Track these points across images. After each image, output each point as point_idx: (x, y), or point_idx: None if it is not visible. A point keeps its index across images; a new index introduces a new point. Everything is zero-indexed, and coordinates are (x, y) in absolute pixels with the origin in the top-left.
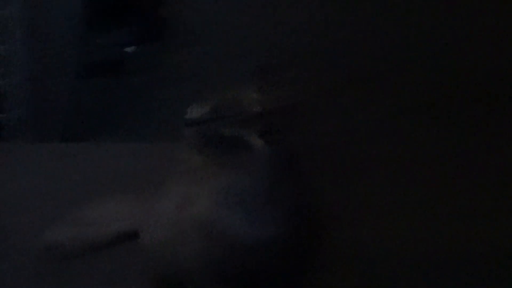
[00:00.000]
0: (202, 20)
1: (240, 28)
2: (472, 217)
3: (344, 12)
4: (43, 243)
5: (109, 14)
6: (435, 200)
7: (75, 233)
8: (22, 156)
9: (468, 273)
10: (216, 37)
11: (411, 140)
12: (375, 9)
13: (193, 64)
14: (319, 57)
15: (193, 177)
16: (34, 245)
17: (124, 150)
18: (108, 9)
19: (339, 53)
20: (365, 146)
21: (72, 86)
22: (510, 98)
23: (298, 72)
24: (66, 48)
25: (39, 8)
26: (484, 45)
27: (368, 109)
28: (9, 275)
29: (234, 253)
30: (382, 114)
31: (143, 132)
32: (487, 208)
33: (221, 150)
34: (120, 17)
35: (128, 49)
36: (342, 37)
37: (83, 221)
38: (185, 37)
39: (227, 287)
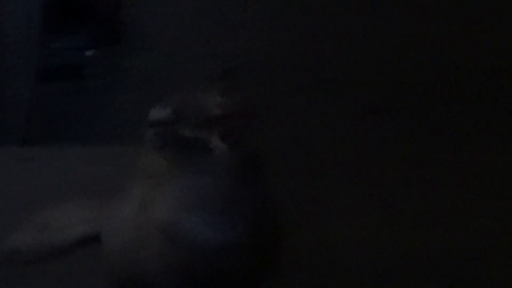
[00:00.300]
0: (163, 24)
1: (201, 32)
2: (430, 218)
3: (304, 17)
4: (4, 248)
5: (68, 18)
6: (395, 201)
7: (36, 238)
8: None
9: (429, 272)
10: (177, 41)
11: (371, 142)
12: (334, 14)
13: (153, 67)
14: (280, 61)
15: (154, 180)
16: None
17: (85, 154)
18: (67, 13)
19: (299, 57)
20: (325, 148)
21: (32, 90)
22: (466, 101)
23: (260, 76)
24: (25, 52)
25: None
26: (440, 49)
27: (328, 111)
28: None
29: (195, 256)
30: (342, 116)
31: (104, 135)
32: (447, 208)
33: (182, 153)
34: (79, 21)
35: (88, 53)
36: (302, 42)
37: (44, 226)
38: (145, 40)
39: None
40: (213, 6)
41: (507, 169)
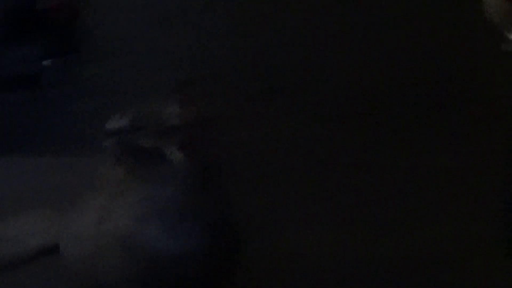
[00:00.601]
0: (121, 33)
1: (160, 41)
2: (394, 222)
3: (261, 26)
4: None
5: (24, 28)
6: (353, 207)
7: None
8: None
9: (391, 276)
10: (135, 50)
11: (329, 147)
12: (290, 22)
13: (111, 76)
14: (239, 70)
15: (112, 190)
16: None
17: (43, 164)
18: (24, 22)
19: (256, 65)
20: (284, 155)
21: None
22: (419, 106)
23: (218, 85)
24: None
25: None
26: (393, 56)
27: (285, 119)
28: None
29: (154, 266)
30: (300, 123)
31: (61, 145)
32: (411, 213)
33: (140, 163)
34: (36, 31)
35: (45, 63)
36: (259, 50)
37: (1, 237)
38: (103, 49)
39: None
40: (171, 15)
41: (466, 173)
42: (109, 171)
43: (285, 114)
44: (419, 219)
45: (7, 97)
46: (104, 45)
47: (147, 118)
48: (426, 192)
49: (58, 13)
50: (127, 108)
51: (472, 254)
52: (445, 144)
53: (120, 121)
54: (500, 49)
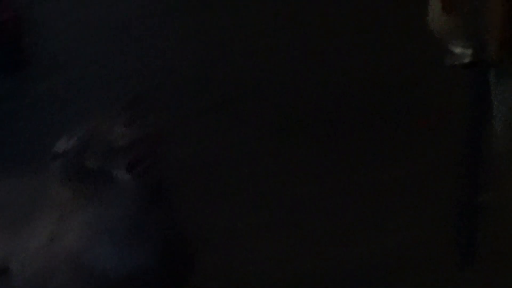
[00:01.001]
0: (67, 51)
1: (107, 59)
2: (340, 235)
3: (206, 40)
4: None
5: None
6: (306, 219)
7: None
8: None
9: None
10: (82, 67)
11: (277, 160)
12: (235, 35)
13: (58, 95)
14: (185, 87)
15: (61, 210)
16: None
17: None
18: None
19: (205, 80)
20: (233, 169)
21: None
22: (369, 118)
23: (164, 101)
24: None
25: None
26: (341, 68)
27: (232, 132)
28: None
29: (105, 285)
30: (248, 136)
31: (8, 165)
32: (358, 224)
33: (88, 184)
34: None
35: None
36: (207, 64)
37: None
38: (50, 66)
39: None
40: (119, 31)
41: (411, 184)
42: (58, 192)
43: (235, 127)
44: (366, 230)
45: None
46: (49, 63)
47: (94, 140)
48: (373, 202)
49: (3, 30)
50: (74, 128)
51: (420, 265)
52: (389, 155)
53: (67, 143)
54: (445, 62)
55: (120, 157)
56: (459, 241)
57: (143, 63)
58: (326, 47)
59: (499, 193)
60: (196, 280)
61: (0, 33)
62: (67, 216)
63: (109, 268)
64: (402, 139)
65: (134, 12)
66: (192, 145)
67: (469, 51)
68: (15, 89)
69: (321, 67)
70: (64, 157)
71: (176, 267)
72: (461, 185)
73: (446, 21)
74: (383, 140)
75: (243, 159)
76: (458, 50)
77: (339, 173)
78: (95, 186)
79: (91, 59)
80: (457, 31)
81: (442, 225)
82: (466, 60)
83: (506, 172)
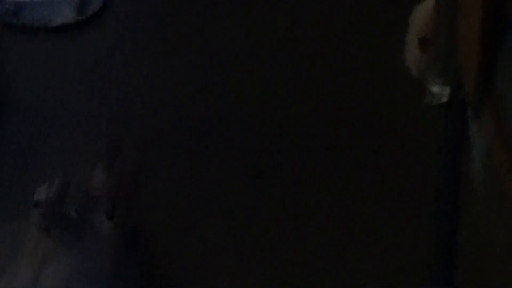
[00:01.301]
0: (44, 96)
1: (82, 103)
2: (309, 276)
3: (177, 81)
4: None
5: None
6: (282, 263)
7: None
8: None
9: None
10: (60, 113)
11: (255, 203)
12: (204, 77)
13: (35, 140)
14: (161, 131)
15: (41, 258)
16: None
17: None
18: None
19: (181, 123)
20: (210, 212)
21: None
22: (340, 158)
23: (141, 149)
24: None
25: None
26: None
27: (209, 175)
28: None
29: None
30: (225, 180)
31: None
32: (329, 268)
33: (67, 232)
34: None
35: None
36: (178, 108)
37: None
38: (24, 111)
39: None
40: (92, 74)
41: (389, 220)
42: (37, 240)
43: (208, 170)
44: (339, 271)
45: None
46: (24, 107)
47: (74, 188)
48: (347, 242)
49: None
50: (53, 178)
51: None
52: (364, 194)
53: (46, 192)
54: (423, 102)
55: (99, 205)
56: (436, 281)
57: (118, 107)
58: (302, 86)
59: (477, 233)
60: None
61: None
62: (47, 263)
63: None
64: (378, 178)
65: (106, 57)
66: (170, 189)
67: (446, 90)
68: None
69: (296, 105)
70: (44, 205)
71: None
72: (438, 224)
73: (423, 60)
74: (359, 178)
75: (220, 202)
76: (435, 89)
77: (314, 214)
78: (76, 233)
79: (64, 103)
80: (434, 70)
81: (418, 265)
82: (444, 99)
83: (484, 210)
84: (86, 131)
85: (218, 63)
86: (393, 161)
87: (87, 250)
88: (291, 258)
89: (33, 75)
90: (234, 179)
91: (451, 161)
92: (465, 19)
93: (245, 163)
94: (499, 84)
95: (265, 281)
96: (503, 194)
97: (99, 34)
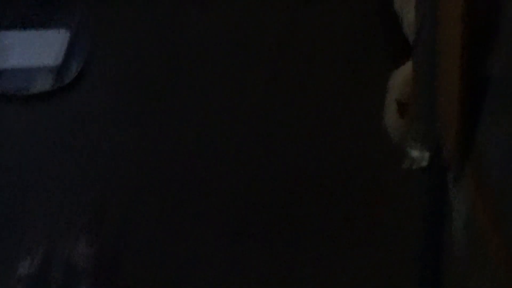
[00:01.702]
0: (22, 164)
1: (66, 176)
2: None
3: (160, 149)
4: None
5: None
6: None
7: None
8: None
9: None
10: (41, 185)
11: (237, 266)
12: (184, 142)
13: (17, 214)
14: (143, 199)
15: None
16: None
17: None
18: None
19: (159, 186)
20: (190, 279)
21: None
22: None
23: (123, 219)
24: None
25: None
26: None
27: (192, 239)
28: None
29: None
30: (207, 243)
31: None
32: None
33: None
34: None
35: None
36: (160, 172)
37: None
38: (4, 183)
39: None
40: (71, 141)
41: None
42: None
43: (191, 235)
44: None
45: None
46: (6, 178)
47: (57, 262)
48: None
49: None
50: (37, 251)
51: None
52: (344, 256)
53: (30, 266)
54: (402, 166)
55: (83, 277)
56: None
57: (99, 175)
58: (282, 149)
59: None
60: None
61: None
62: None
63: None
64: (358, 242)
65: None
66: (152, 259)
67: (426, 155)
68: None
69: (275, 166)
70: (27, 279)
71: None
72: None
73: (401, 125)
74: (339, 242)
75: (205, 269)
76: (415, 153)
77: (297, 274)
78: None
79: (43, 172)
80: (413, 134)
81: None
82: (423, 163)
83: (467, 274)
84: (68, 201)
85: (196, 127)
86: (373, 225)
87: None
88: None
89: (11, 143)
90: (217, 242)
91: (432, 226)
92: (444, 82)
93: (227, 223)
94: (479, 146)
95: None
96: (487, 257)
97: (77, 101)
